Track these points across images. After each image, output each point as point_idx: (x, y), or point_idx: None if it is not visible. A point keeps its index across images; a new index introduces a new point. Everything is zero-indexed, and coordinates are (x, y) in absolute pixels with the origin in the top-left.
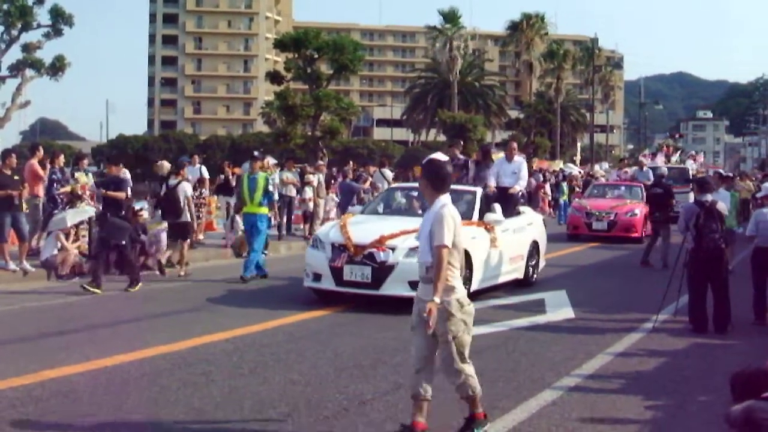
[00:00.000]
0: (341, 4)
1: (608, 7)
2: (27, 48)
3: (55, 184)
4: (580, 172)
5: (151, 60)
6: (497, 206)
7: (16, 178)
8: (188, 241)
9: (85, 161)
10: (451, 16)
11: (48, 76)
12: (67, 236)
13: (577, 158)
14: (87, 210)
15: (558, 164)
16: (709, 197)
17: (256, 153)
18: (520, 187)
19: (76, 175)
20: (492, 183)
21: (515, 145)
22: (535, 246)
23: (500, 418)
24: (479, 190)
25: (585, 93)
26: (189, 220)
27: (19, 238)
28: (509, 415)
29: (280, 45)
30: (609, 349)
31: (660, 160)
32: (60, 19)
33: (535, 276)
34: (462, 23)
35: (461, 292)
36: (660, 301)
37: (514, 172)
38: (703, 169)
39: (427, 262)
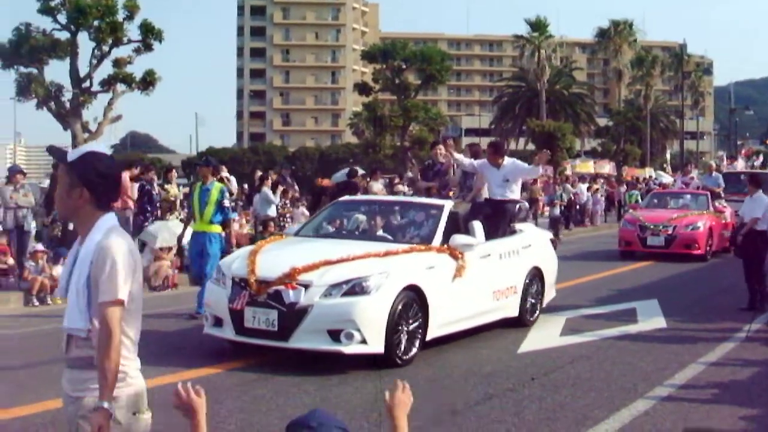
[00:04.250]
0: (428, 14)
1: (697, 12)
2: (118, 63)
3: (146, 197)
4: (674, 180)
5: (240, 73)
6: (477, 225)
7: None
8: None
9: (173, 173)
10: (538, 25)
11: (139, 90)
12: (160, 248)
13: (667, 165)
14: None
15: (648, 172)
16: None
17: (210, 158)
18: (515, 195)
19: (166, 186)
20: (481, 190)
21: (491, 151)
22: (536, 274)
23: (592, 428)
24: (448, 205)
25: (674, 99)
26: None
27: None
28: (602, 425)
29: (368, 56)
30: (701, 358)
31: (740, 164)
32: (150, 34)
33: (537, 312)
34: (549, 32)
35: (137, 384)
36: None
37: (506, 179)
38: None
39: (78, 330)
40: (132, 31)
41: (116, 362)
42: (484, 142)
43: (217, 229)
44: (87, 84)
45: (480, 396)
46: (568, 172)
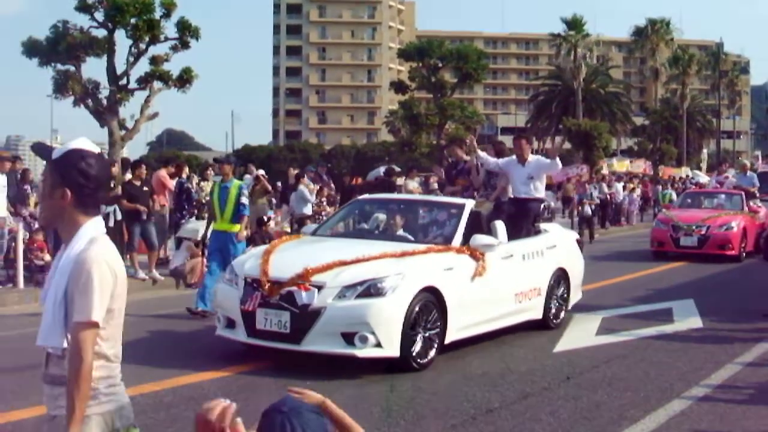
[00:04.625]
0: (464, 12)
1: (734, 11)
2: (155, 61)
3: (184, 195)
4: (710, 180)
5: (276, 71)
6: (499, 225)
7: (145, 189)
8: None
9: (211, 171)
10: (574, 23)
11: (176, 88)
12: (196, 245)
13: (703, 165)
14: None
15: (684, 171)
16: None
17: (222, 157)
18: (539, 193)
19: (202, 184)
20: (505, 189)
21: (524, 142)
22: (561, 275)
23: (629, 428)
24: (469, 204)
25: (711, 98)
26: None
27: (148, 247)
28: (638, 425)
29: (404, 54)
30: (738, 358)
31: None
32: (187, 32)
33: (562, 314)
34: (586, 30)
35: (113, 401)
36: None
37: (531, 177)
38: None
39: (54, 348)
40: (169, 28)
41: (85, 391)
42: None
43: (238, 228)
44: (124, 81)
45: (516, 395)
46: (605, 171)
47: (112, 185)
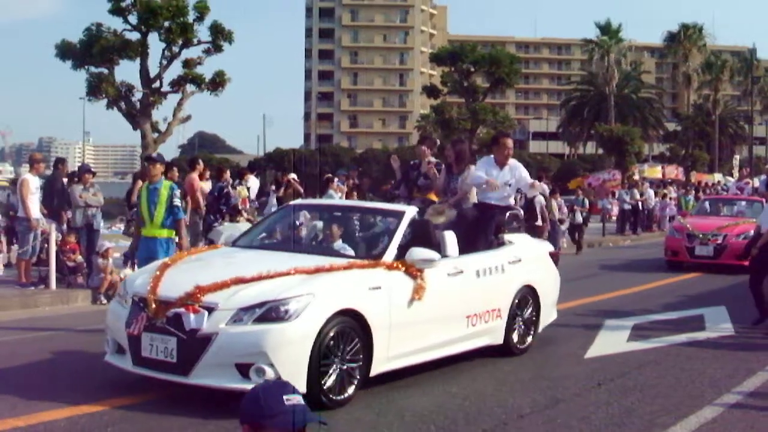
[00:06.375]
0: (496, 17)
1: (767, 17)
2: (188, 64)
3: (222, 199)
4: (731, 185)
5: (308, 74)
6: (448, 236)
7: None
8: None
9: (249, 175)
10: (607, 29)
11: (208, 91)
12: None
13: (735, 171)
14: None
15: (717, 177)
16: None
17: (154, 155)
18: (510, 201)
19: (238, 188)
20: (471, 195)
21: (510, 142)
22: (528, 294)
23: None
24: (409, 211)
25: (743, 104)
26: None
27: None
28: None
29: (437, 59)
30: None
31: None
32: (220, 35)
33: (529, 339)
34: (620, 36)
35: None
36: None
37: (508, 184)
38: None
39: None
40: (202, 32)
41: None
42: (551, 146)
43: (170, 233)
44: (157, 84)
45: (547, 400)
46: (636, 176)
47: None
